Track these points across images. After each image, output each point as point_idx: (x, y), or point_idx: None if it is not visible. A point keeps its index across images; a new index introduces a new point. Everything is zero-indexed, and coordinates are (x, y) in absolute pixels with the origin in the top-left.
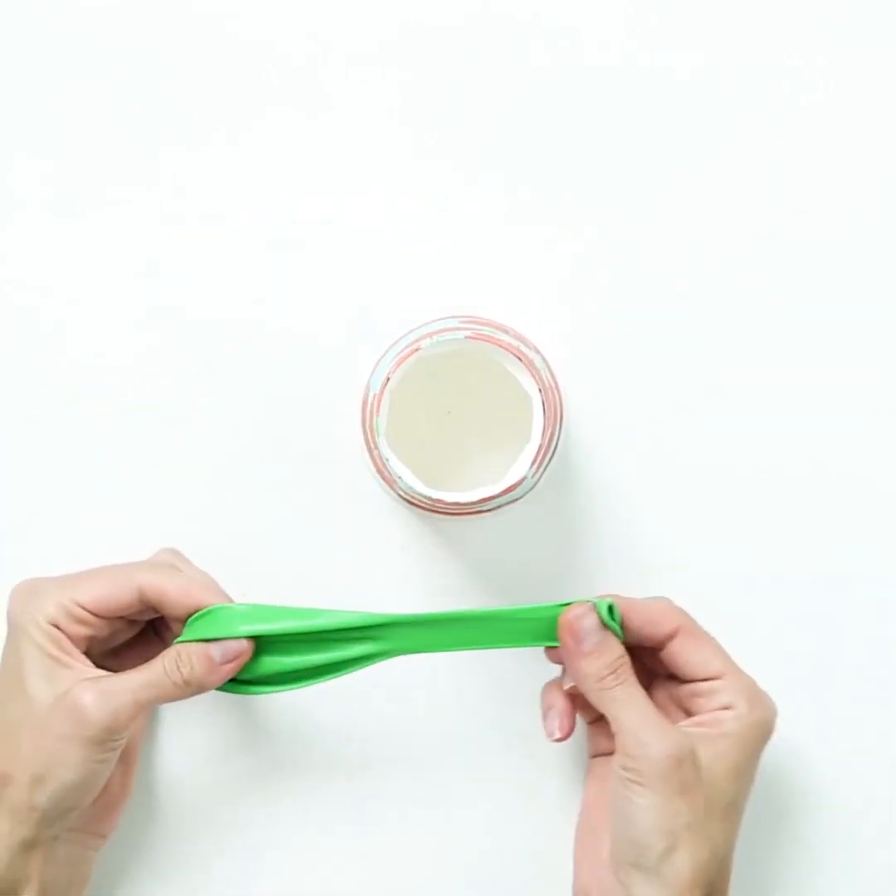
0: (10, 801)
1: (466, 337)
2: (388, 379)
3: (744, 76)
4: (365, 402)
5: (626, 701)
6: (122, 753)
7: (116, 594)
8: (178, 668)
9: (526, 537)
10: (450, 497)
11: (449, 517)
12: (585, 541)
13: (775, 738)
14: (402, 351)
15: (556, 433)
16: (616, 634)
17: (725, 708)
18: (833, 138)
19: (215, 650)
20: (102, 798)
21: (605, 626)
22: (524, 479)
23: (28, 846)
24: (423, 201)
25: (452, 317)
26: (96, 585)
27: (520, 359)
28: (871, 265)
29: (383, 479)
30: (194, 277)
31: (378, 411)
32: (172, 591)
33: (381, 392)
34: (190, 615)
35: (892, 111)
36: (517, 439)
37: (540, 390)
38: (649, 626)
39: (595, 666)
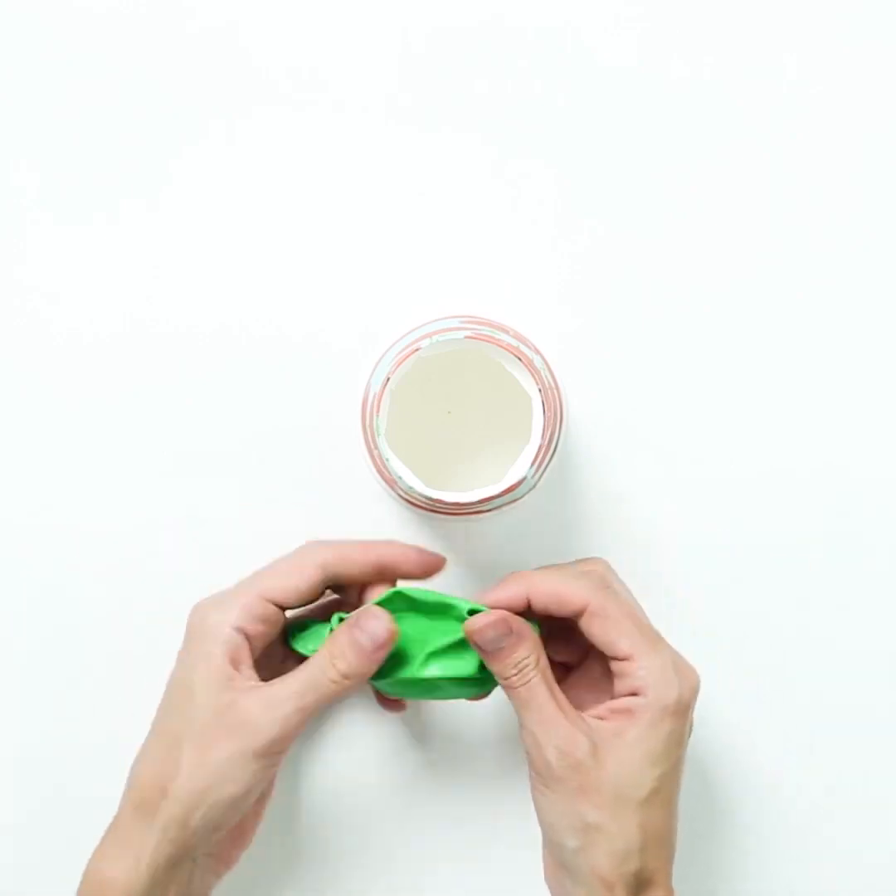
0: (165, 817)
1: (466, 337)
2: (388, 379)
3: (745, 76)
4: (365, 402)
5: (527, 701)
6: None
7: (300, 577)
8: (334, 664)
9: (526, 537)
10: (450, 497)
11: (449, 517)
12: (585, 541)
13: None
14: (402, 351)
15: (556, 433)
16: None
17: (633, 694)
18: (833, 138)
19: (363, 638)
20: (237, 828)
21: (506, 633)
22: (524, 479)
23: (172, 865)
24: (424, 202)
25: (452, 317)
26: (278, 575)
27: (520, 359)
28: (874, 266)
29: (383, 479)
30: (195, 278)
31: (378, 411)
32: (354, 551)
33: (381, 392)
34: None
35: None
36: (517, 439)
37: (540, 390)
38: (554, 605)
39: (499, 667)
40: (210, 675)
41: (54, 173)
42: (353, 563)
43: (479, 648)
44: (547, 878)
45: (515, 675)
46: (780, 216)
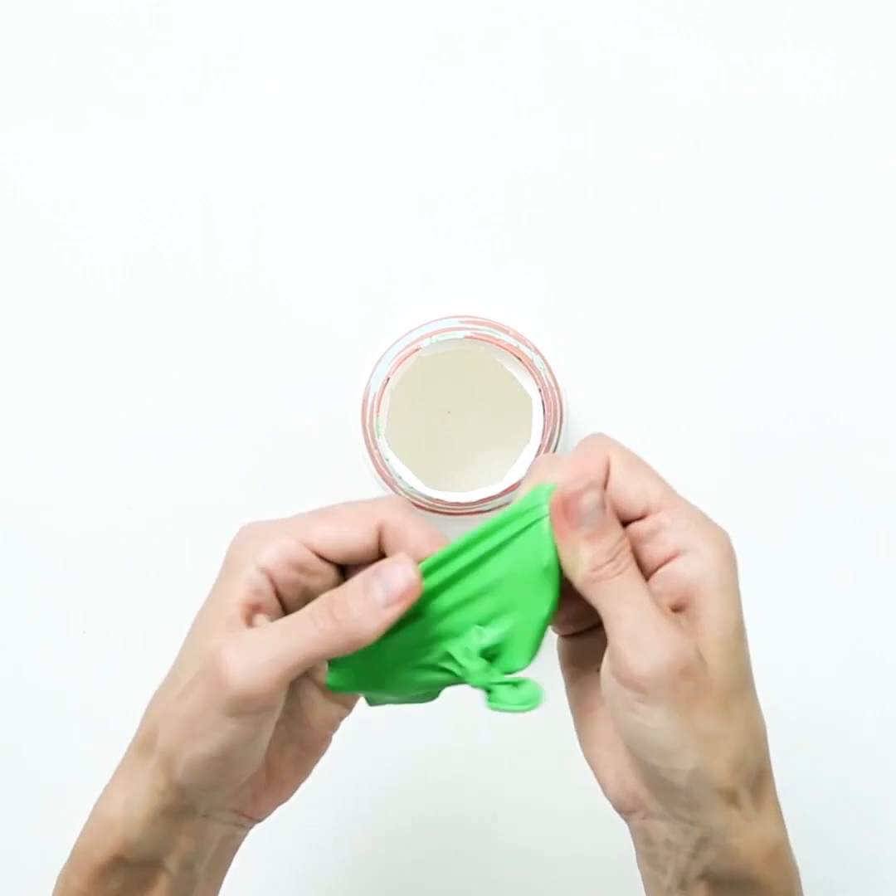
0: (152, 765)
1: (466, 337)
2: (388, 379)
3: (745, 77)
4: (365, 402)
5: (625, 593)
6: (298, 734)
7: (353, 533)
8: (331, 611)
9: None
10: (450, 497)
11: (449, 517)
12: None
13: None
14: (402, 351)
15: (556, 433)
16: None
17: (676, 554)
18: (833, 138)
19: (376, 586)
20: (263, 779)
21: (604, 505)
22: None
23: (173, 817)
24: (424, 202)
25: (452, 317)
26: (330, 524)
27: (520, 359)
28: (874, 266)
29: (383, 479)
30: (195, 279)
31: (378, 411)
32: (415, 535)
33: (381, 392)
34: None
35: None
36: (517, 439)
37: (540, 390)
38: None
39: (592, 552)
40: (219, 612)
41: (57, 166)
42: (407, 538)
43: (565, 528)
44: (618, 803)
45: (609, 562)
46: (779, 217)
